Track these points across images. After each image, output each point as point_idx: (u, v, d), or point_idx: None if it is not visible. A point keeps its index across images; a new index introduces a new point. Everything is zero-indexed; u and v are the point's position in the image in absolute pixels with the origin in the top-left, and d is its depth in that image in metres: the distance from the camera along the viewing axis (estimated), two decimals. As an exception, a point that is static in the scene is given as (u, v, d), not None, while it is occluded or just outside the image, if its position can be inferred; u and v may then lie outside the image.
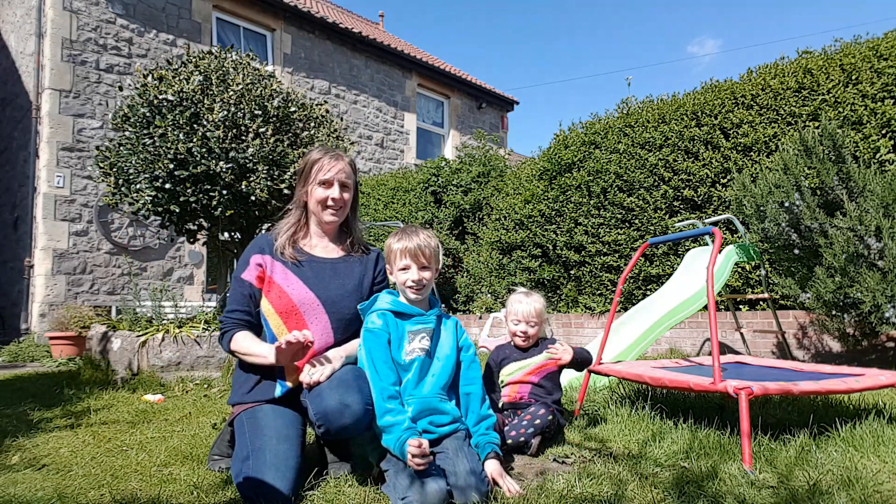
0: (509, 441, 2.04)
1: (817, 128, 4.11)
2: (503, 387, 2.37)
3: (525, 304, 2.35)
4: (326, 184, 1.99)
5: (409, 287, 1.86)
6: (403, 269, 1.87)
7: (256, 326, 1.96)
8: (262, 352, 1.83)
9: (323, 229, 2.08)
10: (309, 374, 1.78)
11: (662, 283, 5.17)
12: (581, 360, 2.30)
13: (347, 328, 1.97)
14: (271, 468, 1.64)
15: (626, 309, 5.26)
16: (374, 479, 1.74)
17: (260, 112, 4.24)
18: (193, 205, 4.19)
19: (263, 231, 4.86)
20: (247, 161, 4.12)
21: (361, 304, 1.95)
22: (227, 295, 2.00)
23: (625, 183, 5.79)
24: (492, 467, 1.71)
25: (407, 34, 57.30)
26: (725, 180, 5.10)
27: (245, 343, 1.88)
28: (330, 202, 1.99)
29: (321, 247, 2.07)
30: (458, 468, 1.62)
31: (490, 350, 2.52)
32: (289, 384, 1.86)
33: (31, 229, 7.83)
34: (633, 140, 5.79)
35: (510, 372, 2.35)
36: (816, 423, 2.17)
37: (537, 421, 2.06)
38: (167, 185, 4.08)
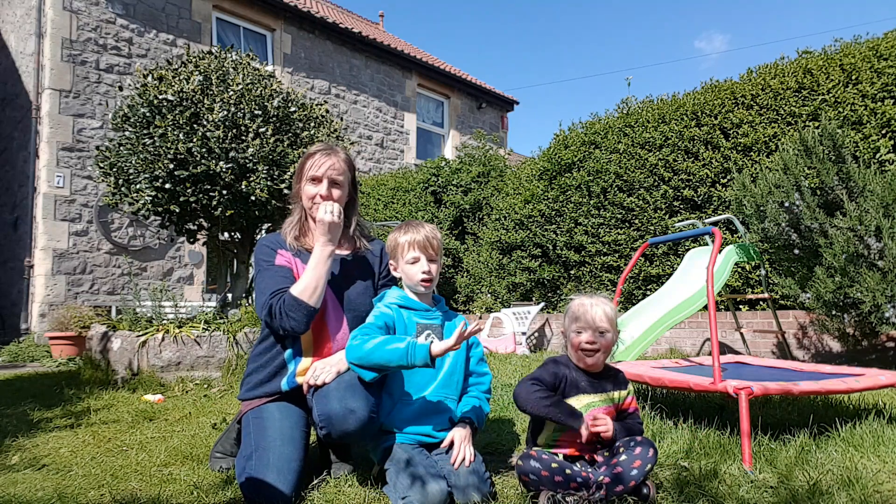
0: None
1: (817, 128, 4.11)
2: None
3: (591, 306, 1.71)
4: (316, 180, 1.95)
5: (422, 280, 1.82)
6: (412, 261, 1.83)
7: None
8: (316, 246, 1.84)
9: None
10: (314, 376, 1.77)
11: (662, 283, 5.17)
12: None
13: None
14: (273, 469, 1.64)
15: (625, 309, 5.25)
16: (374, 479, 1.74)
17: (260, 112, 4.24)
18: (193, 205, 4.19)
19: (264, 232, 4.85)
20: (247, 161, 4.12)
21: (374, 298, 1.95)
22: (258, 287, 1.92)
23: (625, 183, 5.79)
24: (458, 430, 1.72)
25: (407, 34, 57.34)
26: (725, 180, 5.10)
27: (299, 283, 1.81)
28: (318, 199, 1.94)
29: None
30: (459, 468, 1.62)
31: (491, 351, 2.46)
32: (297, 380, 1.85)
33: (31, 229, 7.83)
34: (633, 140, 5.79)
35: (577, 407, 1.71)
36: (816, 423, 2.17)
37: (648, 466, 1.55)
38: (167, 185, 4.08)
